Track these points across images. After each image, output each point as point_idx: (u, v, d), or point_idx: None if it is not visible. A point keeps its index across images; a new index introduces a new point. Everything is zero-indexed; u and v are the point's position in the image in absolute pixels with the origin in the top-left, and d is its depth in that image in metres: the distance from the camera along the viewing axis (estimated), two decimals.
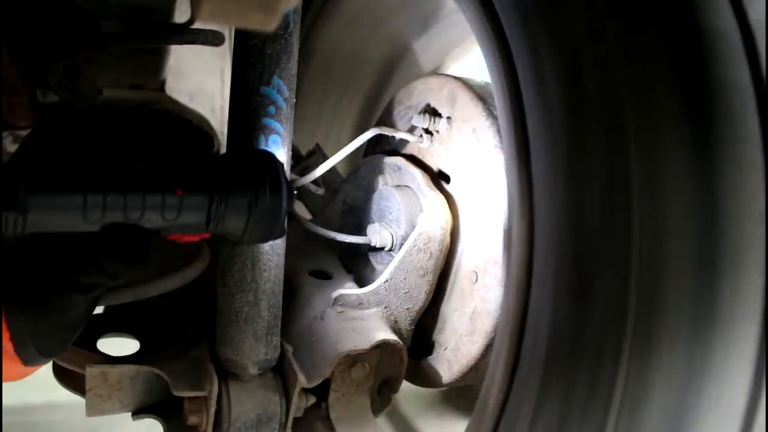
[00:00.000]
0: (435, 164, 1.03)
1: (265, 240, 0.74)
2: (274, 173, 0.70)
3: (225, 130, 0.84)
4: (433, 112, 1.02)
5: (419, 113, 1.03)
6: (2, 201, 0.58)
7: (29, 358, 0.72)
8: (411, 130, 1.06)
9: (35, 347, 0.72)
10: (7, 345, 0.69)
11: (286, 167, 0.84)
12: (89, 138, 0.69)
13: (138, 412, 0.92)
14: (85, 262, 0.67)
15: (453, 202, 0.99)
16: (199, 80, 2.02)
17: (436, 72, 1.49)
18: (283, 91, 0.81)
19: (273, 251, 0.85)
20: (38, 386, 0.91)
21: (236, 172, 0.69)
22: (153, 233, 0.67)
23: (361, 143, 1.04)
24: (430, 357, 1.01)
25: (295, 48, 0.81)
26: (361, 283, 1.08)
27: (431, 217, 0.96)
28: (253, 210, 0.68)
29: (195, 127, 0.75)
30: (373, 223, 1.07)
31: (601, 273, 0.60)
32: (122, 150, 0.69)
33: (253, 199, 0.68)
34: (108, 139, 0.70)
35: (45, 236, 0.65)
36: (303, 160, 1.21)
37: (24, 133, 1.25)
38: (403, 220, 1.01)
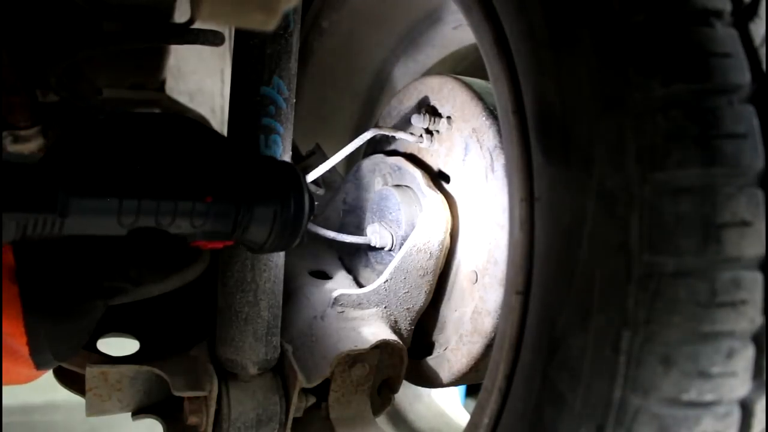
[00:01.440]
0: (435, 164, 1.03)
1: (284, 249, 0.76)
2: (298, 185, 0.72)
3: (225, 130, 0.84)
4: (433, 112, 1.02)
5: (419, 113, 1.03)
6: (43, 203, 0.59)
7: (43, 362, 0.72)
8: (411, 129, 1.06)
9: (51, 352, 0.72)
10: (24, 349, 0.69)
11: None
12: (120, 143, 0.70)
13: (138, 412, 0.92)
14: (110, 267, 0.68)
15: (453, 202, 0.99)
16: (199, 80, 2.02)
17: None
18: (283, 91, 0.81)
19: None
20: (38, 386, 0.91)
21: (262, 182, 0.71)
22: (179, 239, 0.68)
23: (361, 143, 1.04)
24: (430, 357, 1.01)
25: (295, 48, 0.81)
26: (361, 283, 1.08)
27: (431, 217, 0.96)
28: (277, 220, 0.70)
29: (219, 135, 0.76)
30: (373, 223, 1.07)
31: (601, 272, 0.60)
32: (150, 156, 0.70)
33: (278, 209, 0.70)
34: (137, 144, 0.70)
35: (68, 240, 0.66)
36: (303, 160, 1.21)
37: (24, 133, 1.25)
38: (403, 220, 1.00)
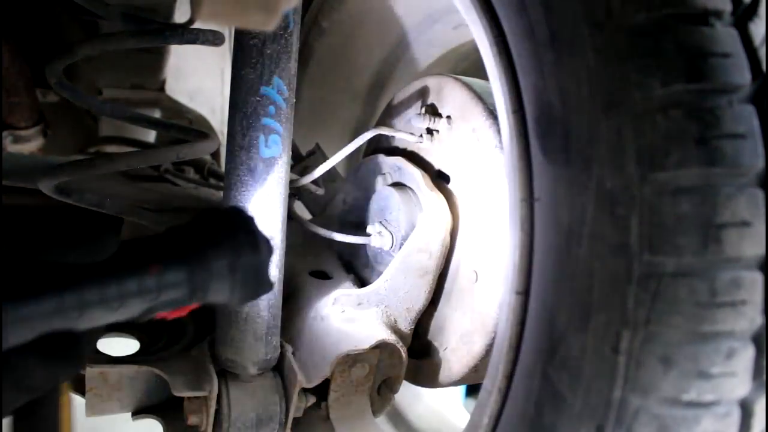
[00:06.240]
0: (435, 164, 1.03)
1: (255, 297, 0.71)
2: (248, 229, 0.67)
3: (225, 130, 0.84)
4: (433, 112, 1.02)
5: (419, 113, 1.03)
6: None
7: None
8: (411, 129, 1.06)
9: None
10: None
11: (286, 167, 0.84)
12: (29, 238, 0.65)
13: (138, 412, 0.92)
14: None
15: (453, 202, 0.99)
16: (199, 80, 2.03)
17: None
18: (283, 91, 0.81)
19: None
20: None
21: (209, 236, 0.66)
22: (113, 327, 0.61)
23: (361, 143, 1.04)
24: (430, 357, 1.01)
25: (295, 48, 0.81)
26: (361, 283, 1.08)
27: (431, 216, 0.96)
28: (235, 271, 0.65)
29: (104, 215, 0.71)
30: (373, 223, 1.07)
31: (601, 272, 0.60)
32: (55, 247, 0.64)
33: (234, 259, 0.65)
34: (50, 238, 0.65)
35: None
36: (303, 160, 1.21)
37: (24, 133, 1.25)
38: (403, 220, 1.00)
